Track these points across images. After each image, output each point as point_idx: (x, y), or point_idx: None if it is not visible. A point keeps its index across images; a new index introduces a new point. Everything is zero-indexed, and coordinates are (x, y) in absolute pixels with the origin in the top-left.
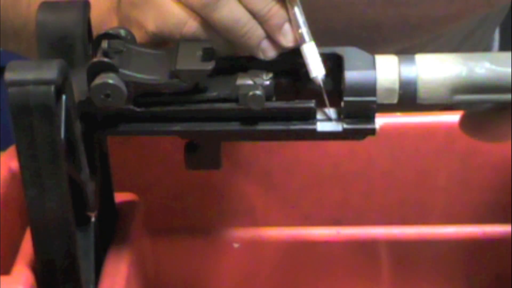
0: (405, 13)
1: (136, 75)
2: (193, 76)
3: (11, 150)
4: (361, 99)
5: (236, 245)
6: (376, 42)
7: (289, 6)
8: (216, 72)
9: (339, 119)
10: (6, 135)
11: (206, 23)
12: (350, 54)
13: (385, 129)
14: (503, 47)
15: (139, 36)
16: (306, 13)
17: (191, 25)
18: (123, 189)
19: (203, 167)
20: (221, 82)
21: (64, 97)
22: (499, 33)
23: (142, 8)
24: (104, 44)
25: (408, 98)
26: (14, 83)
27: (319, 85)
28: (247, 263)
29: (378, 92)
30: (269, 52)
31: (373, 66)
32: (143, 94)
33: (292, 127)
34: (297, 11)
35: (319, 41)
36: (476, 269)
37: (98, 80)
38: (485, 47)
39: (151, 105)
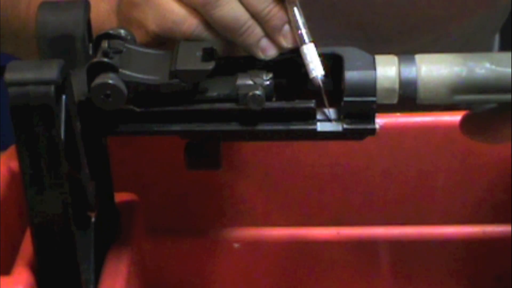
0: (404, 13)
1: (136, 75)
2: (193, 76)
3: (11, 150)
4: (361, 99)
5: (236, 245)
6: (374, 44)
7: (288, 7)
8: (216, 72)
9: (339, 119)
10: (6, 135)
11: (206, 21)
12: (350, 54)
13: (385, 129)
14: (503, 48)
15: (139, 36)
16: (304, 13)
17: (191, 23)
18: (123, 189)
19: (203, 167)
20: (221, 82)
21: (64, 97)
22: (499, 33)
23: (142, 8)
24: (104, 44)
25: (408, 98)
26: (14, 83)
27: (319, 86)
28: (247, 263)
29: (378, 92)
30: (268, 52)
31: (373, 66)
32: (143, 94)
33: (292, 127)
34: (297, 12)
35: (317, 41)
36: (476, 269)
37: (98, 80)
38: (485, 50)
39: (151, 105)
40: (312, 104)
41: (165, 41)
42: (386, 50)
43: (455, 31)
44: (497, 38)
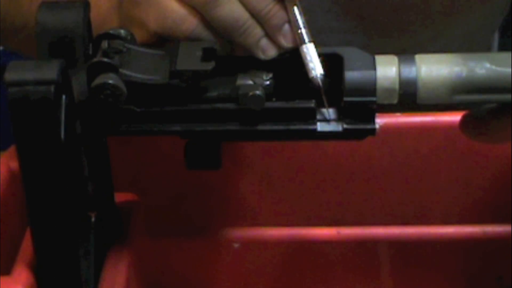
0: (402, 7)
1: (136, 75)
2: (193, 76)
3: (11, 150)
4: (361, 99)
5: (236, 245)
6: (373, 38)
7: (288, 6)
8: (216, 72)
9: (339, 119)
10: (6, 135)
11: (206, 21)
12: (350, 54)
13: (385, 129)
14: (503, 47)
15: (140, 35)
16: (302, 5)
17: (191, 23)
18: (123, 189)
19: (203, 167)
20: (221, 82)
21: (64, 97)
22: (499, 33)
23: (143, 7)
24: (104, 44)
25: (408, 98)
26: (14, 83)
27: (318, 85)
28: (247, 263)
29: (378, 92)
30: (268, 51)
31: (373, 66)
32: (143, 94)
33: (292, 127)
34: (297, 12)
35: (316, 35)
36: (476, 269)
37: (98, 80)
38: (485, 48)
39: (151, 105)
40: (312, 104)
41: (166, 40)
42: (385, 45)
43: (454, 29)
44: (496, 37)
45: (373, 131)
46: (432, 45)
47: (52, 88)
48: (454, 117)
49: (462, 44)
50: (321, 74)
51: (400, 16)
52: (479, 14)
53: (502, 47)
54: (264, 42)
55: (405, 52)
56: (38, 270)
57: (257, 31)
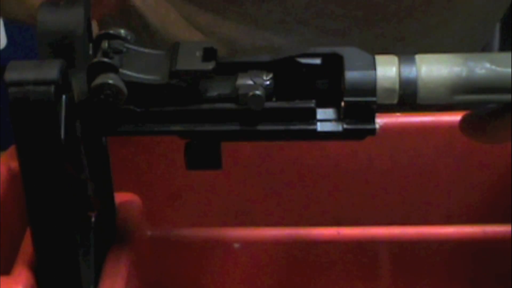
0: None
1: (136, 75)
2: (193, 76)
3: (11, 150)
4: (361, 99)
5: (236, 245)
6: (375, 24)
7: None
8: (216, 72)
9: (339, 119)
10: (6, 135)
11: None
12: (350, 54)
13: (385, 129)
14: (503, 47)
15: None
16: None
17: None
18: (123, 189)
19: (203, 167)
20: (221, 82)
21: (64, 97)
22: (499, 31)
23: None
24: (104, 44)
25: (408, 98)
26: (14, 83)
27: None
28: (247, 263)
29: (378, 92)
30: None
31: (373, 66)
32: (143, 94)
33: (292, 127)
34: None
35: (316, 21)
36: (476, 269)
37: (98, 80)
38: (485, 45)
39: (151, 105)
40: (312, 104)
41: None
42: (385, 32)
43: (456, 19)
44: (496, 37)
45: (373, 131)
46: (434, 33)
47: (52, 88)
48: (454, 117)
49: (465, 38)
50: None
51: (402, 1)
52: (480, 5)
53: (502, 47)
54: None
55: (406, 41)
56: (38, 270)
57: None
